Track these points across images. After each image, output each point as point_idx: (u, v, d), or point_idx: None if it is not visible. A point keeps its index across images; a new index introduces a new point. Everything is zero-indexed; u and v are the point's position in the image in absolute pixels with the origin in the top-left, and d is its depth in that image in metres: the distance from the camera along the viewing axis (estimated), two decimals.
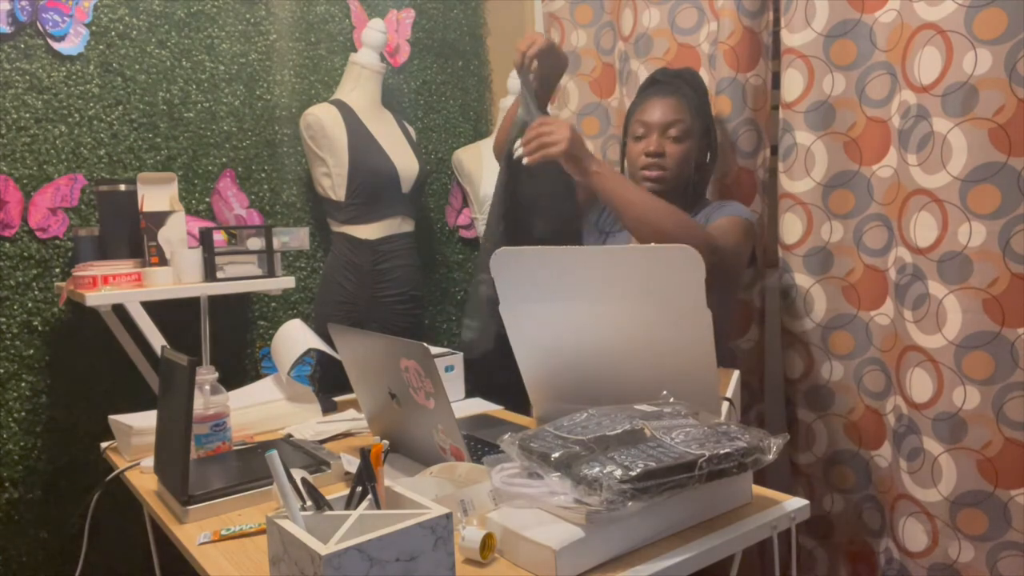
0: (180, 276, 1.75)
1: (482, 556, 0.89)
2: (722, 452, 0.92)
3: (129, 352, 1.86)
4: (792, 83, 1.64)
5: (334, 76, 2.27)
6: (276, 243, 1.85)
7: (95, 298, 1.62)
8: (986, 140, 1.31)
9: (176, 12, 2.01)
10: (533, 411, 1.40)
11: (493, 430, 1.40)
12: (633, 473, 0.85)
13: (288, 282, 1.88)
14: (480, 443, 1.32)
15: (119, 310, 1.69)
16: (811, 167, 1.64)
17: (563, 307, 1.21)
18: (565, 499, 0.89)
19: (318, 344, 1.56)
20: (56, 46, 1.84)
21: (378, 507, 0.87)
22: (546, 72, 1.56)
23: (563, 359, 1.27)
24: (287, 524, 0.80)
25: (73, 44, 1.87)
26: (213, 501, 1.09)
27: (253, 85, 2.14)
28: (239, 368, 2.14)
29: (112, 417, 1.41)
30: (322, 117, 2.04)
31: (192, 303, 1.81)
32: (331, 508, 0.86)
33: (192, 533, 1.04)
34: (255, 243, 1.83)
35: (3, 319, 1.82)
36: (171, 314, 1.76)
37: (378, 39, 2.14)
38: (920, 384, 1.45)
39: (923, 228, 1.42)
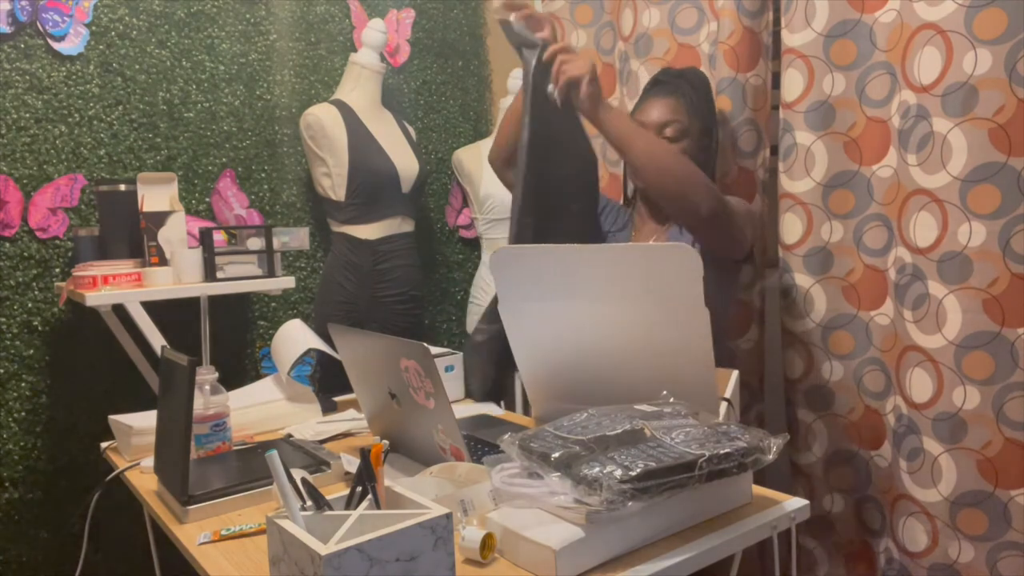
0: (180, 276, 1.75)
1: (482, 556, 0.89)
2: (722, 452, 0.92)
3: (129, 352, 1.86)
4: (792, 83, 1.64)
5: (334, 76, 2.27)
6: (276, 243, 1.86)
7: (95, 298, 1.62)
8: (986, 140, 1.31)
9: (176, 12, 2.01)
10: (533, 411, 1.39)
11: (493, 430, 1.40)
12: (633, 473, 0.85)
13: (288, 282, 1.88)
14: (480, 443, 1.32)
15: (119, 310, 1.69)
16: (811, 167, 1.64)
17: (562, 306, 1.21)
18: (565, 499, 0.89)
19: (318, 344, 1.56)
20: (56, 46, 1.84)
21: (378, 507, 0.87)
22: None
23: (563, 359, 1.27)
24: (287, 524, 0.80)
25: (73, 44, 1.87)
26: (213, 501, 1.09)
27: (253, 85, 2.14)
28: (239, 368, 2.14)
29: (112, 417, 1.41)
30: (322, 117, 2.04)
31: (192, 303, 1.81)
32: (331, 508, 0.86)
33: (192, 533, 1.04)
34: (255, 243, 1.83)
35: (3, 319, 1.82)
36: (171, 314, 1.76)
37: (378, 39, 2.14)
38: (920, 384, 1.45)
39: (923, 228, 1.42)
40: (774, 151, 1.79)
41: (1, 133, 1.80)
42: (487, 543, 0.89)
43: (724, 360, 1.43)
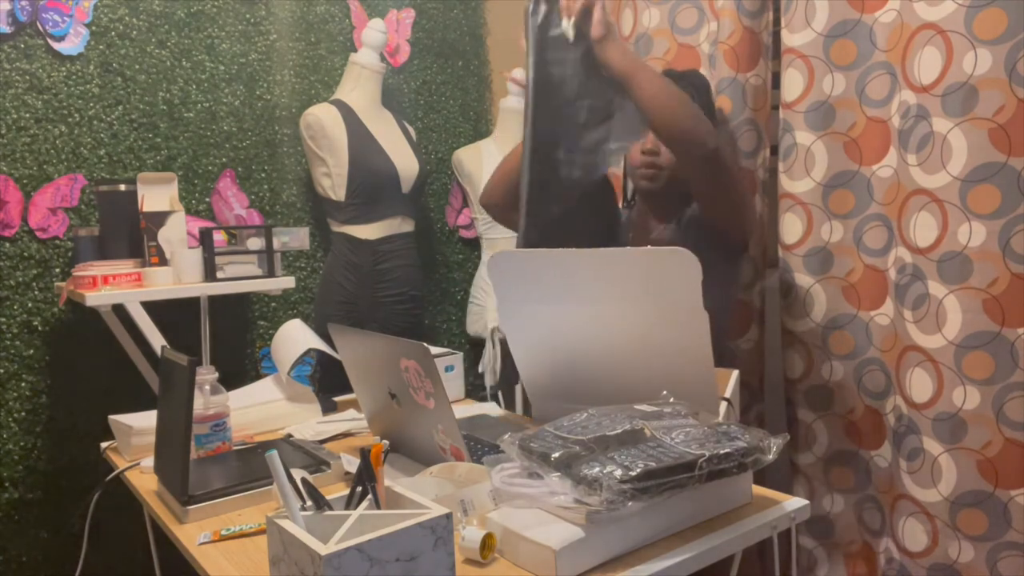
0: (180, 276, 1.75)
1: (482, 556, 0.89)
2: (722, 452, 0.92)
3: (129, 352, 1.86)
4: (792, 83, 1.64)
5: (334, 76, 2.28)
6: (276, 243, 1.86)
7: (95, 298, 1.62)
8: (986, 140, 1.31)
9: (176, 12, 2.01)
10: (533, 411, 1.39)
11: (493, 430, 1.40)
12: (633, 473, 0.85)
13: (288, 282, 1.88)
14: (480, 443, 1.32)
15: (119, 310, 1.69)
16: (811, 167, 1.64)
17: (562, 308, 1.21)
18: (565, 499, 0.89)
19: (318, 344, 1.56)
20: (56, 46, 1.84)
21: (378, 507, 0.87)
22: None
23: (562, 359, 1.27)
24: (287, 524, 0.80)
25: (73, 44, 1.87)
26: (213, 501, 1.09)
27: (253, 85, 2.14)
28: (239, 368, 2.14)
29: (112, 417, 1.41)
30: (322, 117, 2.04)
31: (192, 303, 1.81)
32: (331, 508, 0.86)
33: (192, 533, 1.04)
34: (255, 243, 1.83)
35: (3, 319, 1.82)
36: (171, 314, 1.76)
37: (378, 39, 2.14)
38: (920, 384, 1.45)
39: (923, 228, 1.42)
40: (774, 151, 1.79)
41: (1, 133, 1.80)
42: (487, 543, 0.89)
43: (724, 360, 1.43)
